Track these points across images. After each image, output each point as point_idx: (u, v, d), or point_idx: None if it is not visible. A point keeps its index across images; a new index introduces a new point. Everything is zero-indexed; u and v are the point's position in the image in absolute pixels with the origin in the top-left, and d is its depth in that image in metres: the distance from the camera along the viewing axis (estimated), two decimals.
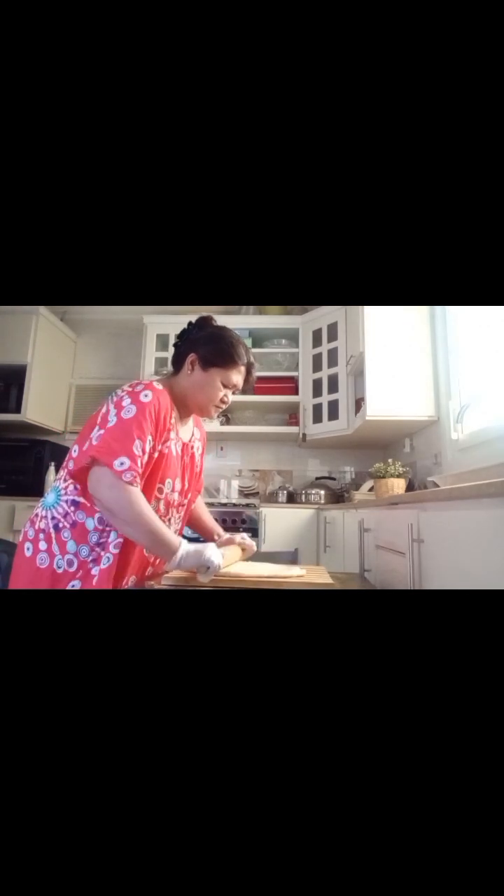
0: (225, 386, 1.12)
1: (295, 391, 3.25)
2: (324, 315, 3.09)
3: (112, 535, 1.01)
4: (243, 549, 1.20)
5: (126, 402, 0.99)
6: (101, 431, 0.96)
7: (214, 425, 3.36)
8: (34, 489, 3.04)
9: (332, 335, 3.02)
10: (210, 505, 2.96)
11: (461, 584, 0.82)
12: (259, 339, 3.43)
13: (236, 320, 3.39)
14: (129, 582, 1.05)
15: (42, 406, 3.24)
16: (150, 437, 0.98)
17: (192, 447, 1.19)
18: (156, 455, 1.02)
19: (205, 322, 1.16)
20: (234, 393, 1.15)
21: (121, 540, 1.00)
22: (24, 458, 3.10)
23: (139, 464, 0.95)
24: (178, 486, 1.12)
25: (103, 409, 1.01)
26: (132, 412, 0.97)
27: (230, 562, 1.09)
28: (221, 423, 3.40)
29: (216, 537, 1.30)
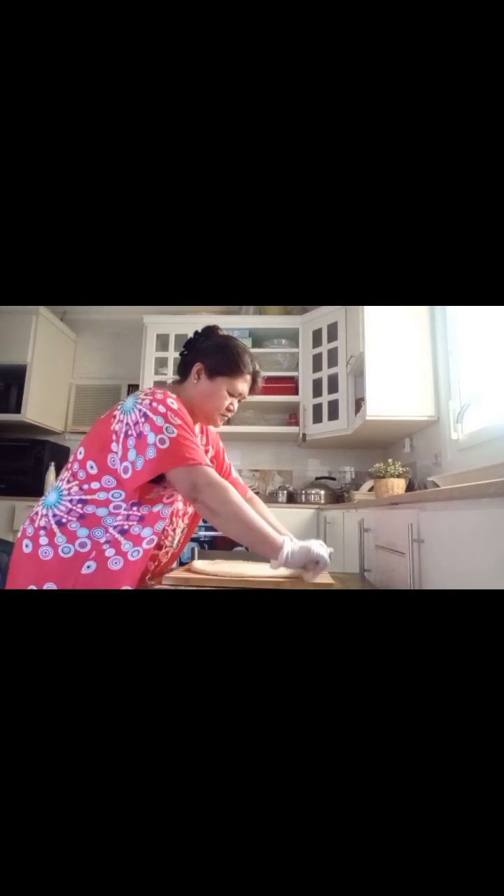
0: (231, 395, 1.13)
1: (295, 391, 3.25)
2: (324, 315, 3.09)
3: (146, 529, 1.00)
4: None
5: (161, 408, 0.99)
6: (163, 436, 0.96)
7: None
8: (34, 489, 3.04)
9: (332, 335, 3.01)
10: None
11: (461, 584, 0.82)
12: (259, 339, 3.42)
13: (236, 320, 3.40)
14: (148, 582, 1.06)
15: (42, 406, 3.24)
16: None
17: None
18: None
19: (211, 331, 1.17)
20: (239, 401, 1.16)
21: (154, 537, 1.00)
22: (24, 458, 3.10)
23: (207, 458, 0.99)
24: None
25: (133, 419, 0.99)
26: (178, 419, 0.99)
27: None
28: (221, 423, 3.40)
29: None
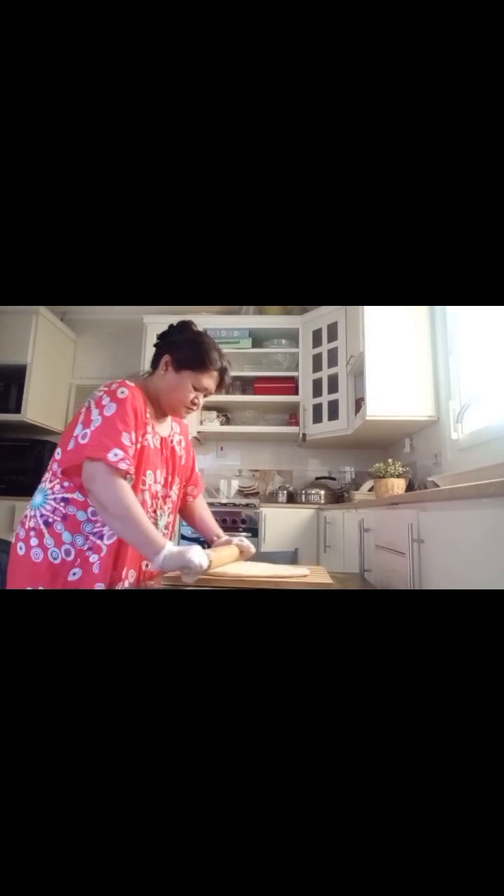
0: (196, 389, 1.15)
1: (295, 391, 3.25)
2: (324, 315, 3.09)
3: (107, 527, 1.04)
4: (241, 551, 1.23)
5: (106, 400, 1.03)
6: (87, 430, 1.00)
7: (214, 425, 3.36)
8: (34, 489, 3.02)
9: (332, 335, 3.01)
10: (210, 505, 2.95)
11: (461, 584, 0.82)
12: (259, 339, 3.43)
13: (236, 320, 3.40)
14: (127, 575, 1.06)
15: (42, 406, 3.24)
16: (133, 430, 1.03)
17: (172, 441, 1.24)
18: (137, 447, 1.06)
19: (185, 326, 1.19)
20: (205, 396, 1.18)
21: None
22: (24, 458, 3.10)
23: (130, 454, 1.00)
24: (159, 477, 1.15)
25: (84, 409, 1.05)
26: (113, 409, 1.01)
27: (224, 562, 1.11)
28: (221, 423, 3.40)
29: (215, 538, 1.33)
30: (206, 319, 3.38)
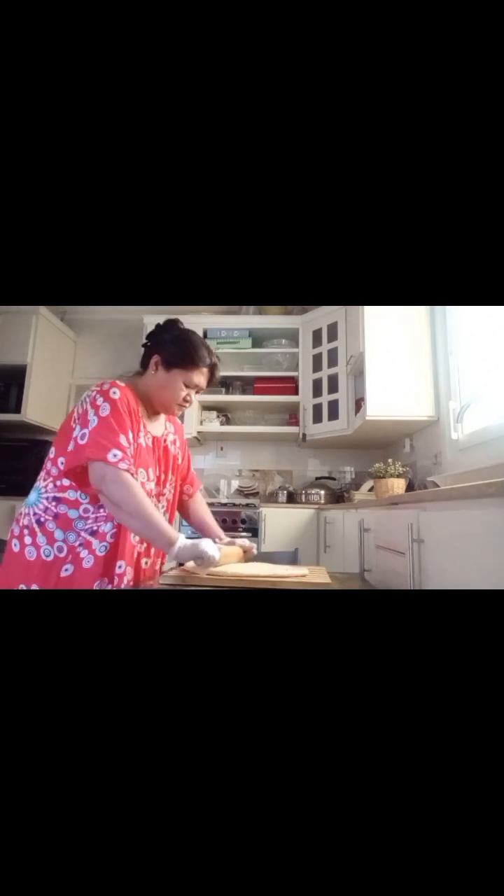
0: (187, 386, 1.16)
1: (295, 391, 3.25)
2: (324, 315, 3.09)
3: (107, 525, 1.07)
4: (245, 550, 1.25)
5: (100, 400, 1.05)
6: (85, 430, 1.02)
7: (214, 425, 3.36)
8: None
9: (332, 335, 3.02)
10: (210, 505, 2.95)
11: (461, 584, 0.82)
12: (259, 339, 3.43)
13: (236, 320, 3.40)
14: (125, 572, 1.07)
15: (42, 406, 3.24)
16: (129, 430, 1.05)
17: (165, 440, 1.25)
18: (134, 446, 1.08)
19: (171, 324, 1.21)
20: (196, 393, 1.20)
21: (116, 530, 1.07)
22: (24, 458, 3.10)
23: (129, 453, 1.02)
24: (151, 475, 1.17)
25: (80, 410, 1.07)
26: (108, 409, 1.04)
27: (229, 560, 1.13)
28: (221, 423, 3.40)
29: (217, 540, 1.33)
30: (206, 319, 3.38)
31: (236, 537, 1.31)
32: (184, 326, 1.22)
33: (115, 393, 1.06)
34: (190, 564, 1.03)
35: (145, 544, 1.15)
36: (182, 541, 0.99)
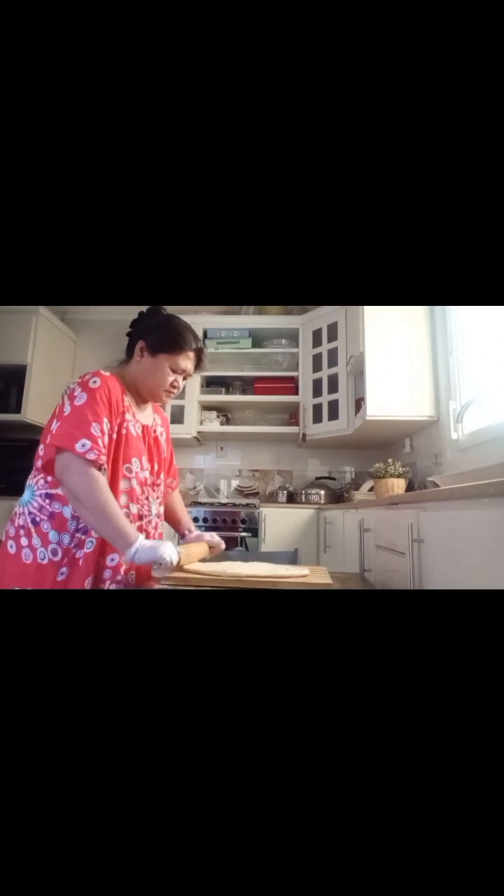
0: (174, 371, 1.14)
1: (295, 391, 3.25)
2: (324, 315, 3.09)
3: None
4: (211, 547, 1.24)
5: (77, 391, 1.03)
6: (59, 422, 1.00)
7: (214, 425, 3.36)
8: None
9: (332, 335, 3.01)
10: (210, 505, 2.97)
11: (461, 584, 0.81)
12: (259, 339, 3.43)
13: (236, 320, 3.40)
14: (112, 560, 1.06)
15: (42, 406, 3.24)
16: (105, 419, 1.01)
17: (155, 431, 1.23)
18: (115, 436, 1.06)
19: (155, 311, 1.19)
20: (184, 378, 1.18)
21: None
22: (24, 458, 3.08)
23: (101, 444, 0.99)
24: (145, 465, 1.15)
25: (59, 402, 1.05)
26: (83, 399, 1.01)
27: (193, 558, 1.11)
28: (221, 423, 3.40)
29: (186, 532, 1.34)
30: (206, 319, 3.38)
31: (206, 532, 1.31)
32: (168, 312, 1.20)
33: (94, 382, 1.04)
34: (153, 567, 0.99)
35: (147, 532, 1.14)
36: (140, 542, 0.95)
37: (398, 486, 2.12)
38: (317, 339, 3.15)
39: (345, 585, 1.15)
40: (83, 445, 0.96)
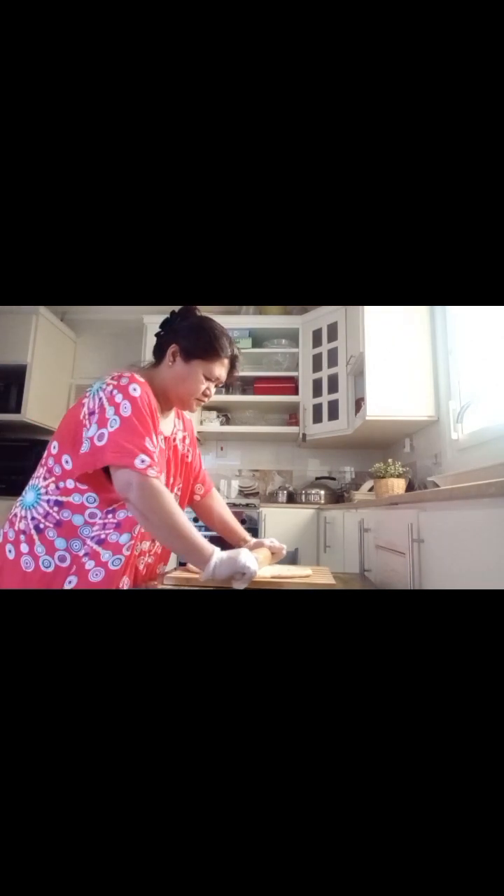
0: (207, 379, 1.08)
1: (295, 391, 3.25)
2: (324, 315, 3.09)
3: (123, 536, 0.97)
4: (273, 553, 1.16)
5: (119, 397, 0.94)
6: (104, 430, 0.91)
7: (214, 425, 3.36)
8: None
9: (332, 335, 3.02)
10: None
11: (461, 584, 0.82)
12: (259, 339, 3.43)
13: (236, 320, 3.40)
14: (124, 583, 1.03)
15: (42, 406, 3.24)
16: (153, 434, 0.95)
17: (174, 440, 1.16)
18: (157, 449, 0.99)
19: (188, 312, 1.11)
20: (216, 386, 1.11)
21: (132, 542, 0.98)
22: (24, 458, 3.10)
23: (155, 459, 0.92)
24: (162, 479, 1.08)
25: (92, 405, 0.96)
26: (129, 409, 0.93)
27: (261, 566, 1.04)
28: (221, 423, 3.40)
29: (243, 542, 1.24)
30: None
31: (266, 538, 1.20)
32: (202, 314, 1.11)
33: (134, 390, 0.94)
34: (224, 581, 0.92)
35: (153, 555, 1.09)
36: (218, 555, 0.90)
37: (398, 486, 2.12)
38: (317, 339, 3.15)
39: (347, 586, 1.15)
40: (143, 462, 0.89)
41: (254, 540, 1.22)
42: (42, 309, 3.21)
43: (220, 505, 1.32)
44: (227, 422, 3.48)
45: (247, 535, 1.27)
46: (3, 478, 3.06)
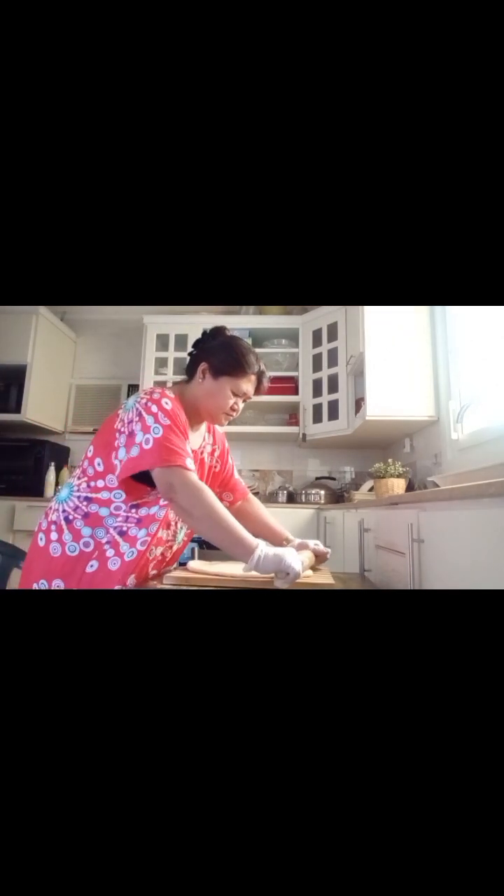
0: (235, 394, 1.14)
1: (295, 391, 3.25)
2: (324, 315, 3.09)
3: (140, 531, 1.05)
4: (317, 556, 1.17)
5: (154, 408, 1.02)
6: (149, 436, 0.98)
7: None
8: (34, 489, 3.03)
9: (332, 335, 3.01)
10: None
11: (461, 584, 0.82)
12: (259, 339, 3.42)
13: (236, 320, 3.39)
14: (131, 580, 1.07)
15: (42, 406, 3.24)
16: (186, 440, 1.03)
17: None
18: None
19: (218, 331, 1.18)
20: (244, 401, 1.17)
21: (148, 539, 1.05)
22: (24, 458, 3.10)
23: (193, 463, 1.01)
24: None
25: (129, 416, 1.03)
26: (166, 419, 1.01)
27: (305, 567, 1.03)
28: (226, 422, 3.40)
29: (284, 543, 1.25)
30: (207, 319, 3.38)
31: (310, 540, 1.20)
32: (230, 333, 1.19)
33: (167, 403, 1.03)
34: (266, 577, 0.93)
35: (165, 557, 1.13)
36: (262, 549, 0.92)
37: (398, 486, 2.12)
38: (317, 339, 3.14)
39: (346, 586, 1.15)
40: (189, 462, 0.98)
41: (298, 540, 1.23)
42: (42, 309, 3.21)
43: (259, 508, 1.39)
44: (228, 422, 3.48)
45: (289, 536, 1.31)
46: (3, 478, 3.06)
